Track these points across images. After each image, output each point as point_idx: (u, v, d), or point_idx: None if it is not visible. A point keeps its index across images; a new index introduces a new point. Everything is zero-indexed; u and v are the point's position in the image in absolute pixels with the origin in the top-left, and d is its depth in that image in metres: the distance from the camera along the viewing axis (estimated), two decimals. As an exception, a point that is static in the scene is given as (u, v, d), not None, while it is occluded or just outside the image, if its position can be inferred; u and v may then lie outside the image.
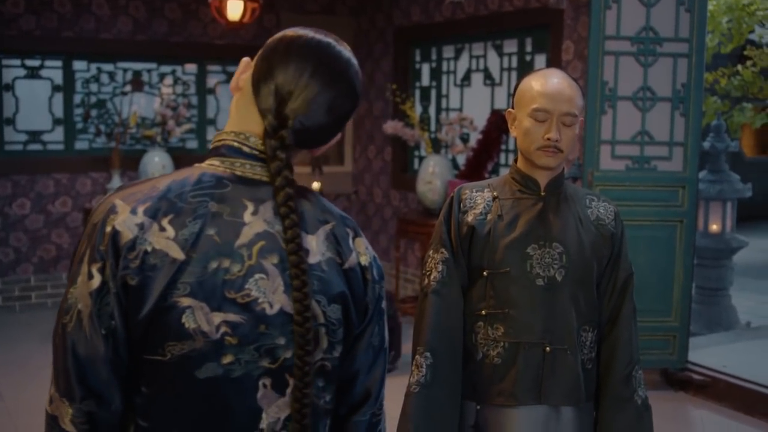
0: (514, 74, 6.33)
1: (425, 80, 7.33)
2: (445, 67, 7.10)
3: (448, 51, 7.04)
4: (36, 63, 6.91)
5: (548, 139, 2.13)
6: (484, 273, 2.21)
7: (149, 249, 1.23)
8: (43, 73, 6.97)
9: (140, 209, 1.25)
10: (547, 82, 2.18)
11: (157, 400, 1.26)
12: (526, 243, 2.19)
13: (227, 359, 1.25)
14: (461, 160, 6.68)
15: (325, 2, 7.82)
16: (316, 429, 1.35)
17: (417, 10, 7.12)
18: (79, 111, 7.09)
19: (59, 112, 7.03)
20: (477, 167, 6.13)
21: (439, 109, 7.17)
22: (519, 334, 2.18)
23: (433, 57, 7.20)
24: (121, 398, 1.26)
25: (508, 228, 2.21)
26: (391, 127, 6.73)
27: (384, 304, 1.44)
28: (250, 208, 1.30)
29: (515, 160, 2.31)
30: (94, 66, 7.10)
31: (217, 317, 1.24)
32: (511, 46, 6.39)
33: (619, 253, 2.29)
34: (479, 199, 2.27)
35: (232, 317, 1.24)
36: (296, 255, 1.27)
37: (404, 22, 7.30)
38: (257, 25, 7.15)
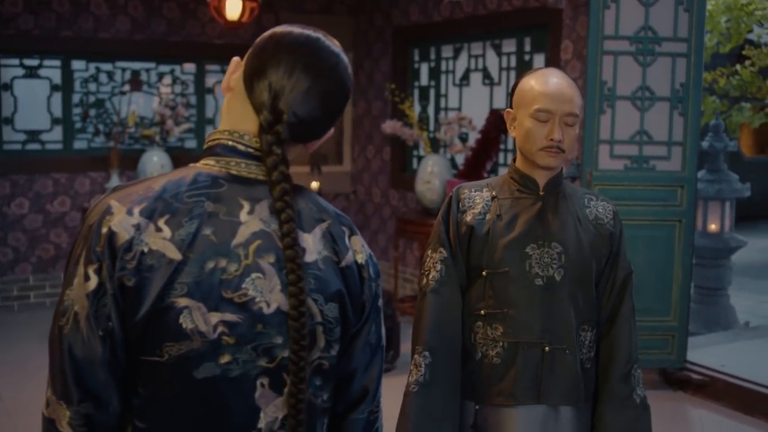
0: (512, 74, 6.33)
1: (424, 80, 7.33)
2: (443, 67, 7.10)
3: (447, 50, 7.04)
4: (34, 62, 6.91)
5: (551, 140, 2.13)
6: (483, 273, 2.21)
7: (146, 250, 1.23)
8: (42, 72, 6.96)
9: (136, 210, 1.25)
10: (548, 82, 2.17)
11: (155, 401, 1.26)
12: (525, 243, 2.19)
13: (225, 359, 1.25)
14: (460, 159, 6.68)
15: (323, 2, 7.82)
16: (313, 428, 1.35)
17: (416, 9, 7.12)
18: (77, 110, 7.09)
19: (58, 111, 7.02)
20: (476, 167, 6.13)
21: (437, 109, 7.16)
22: (518, 334, 2.18)
23: (432, 56, 7.20)
24: (119, 400, 1.26)
25: (507, 228, 2.21)
26: (389, 126, 6.73)
27: (381, 302, 1.44)
28: (246, 207, 1.30)
29: (513, 160, 2.31)
30: (92, 65, 7.09)
31: (215, 317, 1.24)
32: (509, 45, 6.39)
33: (618, 252, 2.29)
34: (478, 198, 2.27)
35: (229, 317, 1.24)
36: (292, 249, 1.27)
37: (403, 21, 7.30)
38: (256, 25, 7.15)
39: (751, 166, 13.40)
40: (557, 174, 2.25)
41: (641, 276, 4.43)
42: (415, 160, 7.38)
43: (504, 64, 6.44)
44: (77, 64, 7.04)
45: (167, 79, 7.43)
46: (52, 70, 6.98)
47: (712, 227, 6.56)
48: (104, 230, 1.24)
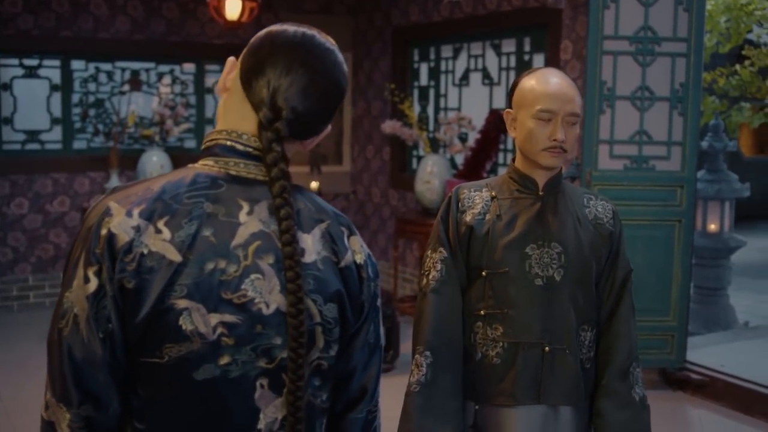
0: (512, 74, 6.33)
1: (423, 80, 7.33)
2: (443, 67, 7.10)
3: (447, 50, 7.04)
4: (34, 62, 6.90)
5: (555, 140, 2.13)
6: (483, 273, 2.21)
7: (145, 251, 1.22)
8: (41, 72, 6.96)
9: (135, 211, 1.25)
10: (550, 82, 2.17)
11: (155, 402, 1.25)
12: (525, 243, 2.19)
13: (224, 360, 1.24)
14: (459, 159, 6.68)
15: (323, 1, 7.82)
16: (312, 428, 1.35)
17: (415, 9, 7.12)
18: (77, 110, 7.08)
19: (57, 111, 7.02)
20: (475, 167, 6.13)
21: (437, 109, 7.16)
22: (518, 334, 2.18)
23: (432, 56, 7.20)
24: (119, 401, 1.25)
25: (506, 228, 2.21)
26: (389, 126, 6.73)
27: (379, 302, 1.44)
28: (246, 208, 1.30)
29: (513, 160, 2.31)
30: (92, 65, 7.09)
31: (214, 318, 1.23)
32: (509, 45, 6.39)
33: (618, 251, 2.29)
34: (477, 198, 2.27)
35: (229, 318, 1.24)
36: (290, 246, 1.27)
37: (402, 21, 7.30)
38: (255, 25, 7.12)
39: (751, 166, 13.41)
40: (557, 174, 2.25)
41: (641, 276, 4.43)
42: (414, 160, 7.38)
43: (503, 64, 6.44)
44: (77, 64, 7.04)
45: (167, 79, 7.43)
46: (51, 70, 6.97)
47: (712, 227, 6.57)
48: (103, 232, 1.24)
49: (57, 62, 6.97)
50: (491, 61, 6.58)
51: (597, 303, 2.28)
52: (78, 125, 7.10)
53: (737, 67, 8.98)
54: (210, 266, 1.24)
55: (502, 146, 6.26)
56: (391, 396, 5.06)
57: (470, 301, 2.24)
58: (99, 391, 1.23)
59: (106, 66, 7.14)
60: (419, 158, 7.21)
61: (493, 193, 2.27)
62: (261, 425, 1.29)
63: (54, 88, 6.98)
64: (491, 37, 6.52)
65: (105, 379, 1.23)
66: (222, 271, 1.24)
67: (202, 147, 1.37)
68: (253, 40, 1.38)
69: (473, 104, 6.69)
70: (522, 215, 2.22)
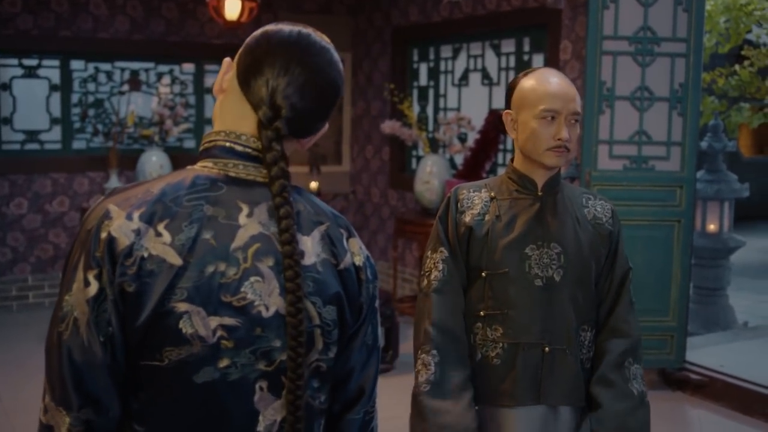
0: (511, 74, 6.33)
1: (423, 80, 7.33)
2: (442, 67, 7.10)
3: (446, 51, 7.04)
4: (33, 62, 6.90)
5: (560, 139, 2.13)
6: (483, 274, 2.21)
7: (146, 255, 1.22)
8: (41, 72, 6.96)
9: (136, 214, 1.24)
10: (551, 82, 2.17)
11: (154, 405, 1.25)
12: (525, 243, 2.19)
13: (224, 363, 1.24)
14: (459, 159, 6.68)
15: (322, 1, 7.82)
16: (311, 429, 1.35)
17: (415, 9, 7.12)
18: (76, 110, 7.08)
19: (57, 111, 7.02)
20: (475, 167, 6.13)
21: (436, 109, 7.17)
22: (518, 335, 2.18)
23: (431, 57, 7.20)
24: (119, 405, 1.25)
25: (506, 228, 2.21)
26: (388, 126, 6.73)
27: (377, 304, 1.44)
28: (245, 210, 1.29)
29: (511, 160, 2.31)
30: (91, 65, 7.09)
31: (214, 321, 1.23)
32: (508, 45, 6.39)
33: (616, 250, 2.29)
34: (477, 199, 2.27)
35: (228, 321, 1.24)
36: (290, 245, 1.26)
37: (402, 21, 7.30)
38: (255, 25, 7.12)
39: (750, 167, 13.41)
40: (555, 174, 2.25)
41: (640, 276, 4.43)
42: (414, 160, 7.38)
43: (503, 65, 6.44)
44: (76, 64, 7.04)
45: (166, 79, 7.43)
46: (50, 70, 6.97)
47: (711, 227, 6.57)
48: (103, 235, 1.23)
49: (56, 62, 6.97)
50: (491, 61, 6.58)
51: (596, 302, 2.28)
52: (77, 125, 7.10)
53: (736, 67, 8.98)
54: (210, 269, 1.24)
55: (501, 146, 6.26)
56: (390, 396, 5.04)
57: (470, 302, 2.24)
58: (99, 394, 1.22)
59: (106, 66, 7.14)
60: (419, 158, 7.21)
61: (492, 194, 2.27)
62: (260, 427, 1.29)
63: (53, 88, 6.98)
64: (491, 38, 6.52)
65: (105, 382, 1.22)
66: (222, 273, 1.24)
67: (201, 148, 1.37)
68: (248, 39, 1.38)
69: (473, 104, 6.69)
70: (521, 216, 2.22)
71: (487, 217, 2.23)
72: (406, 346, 5.69)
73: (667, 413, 4.77)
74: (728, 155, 7.50)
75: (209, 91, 7.54)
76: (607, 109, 4.95)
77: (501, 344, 2.20)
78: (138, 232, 1.23)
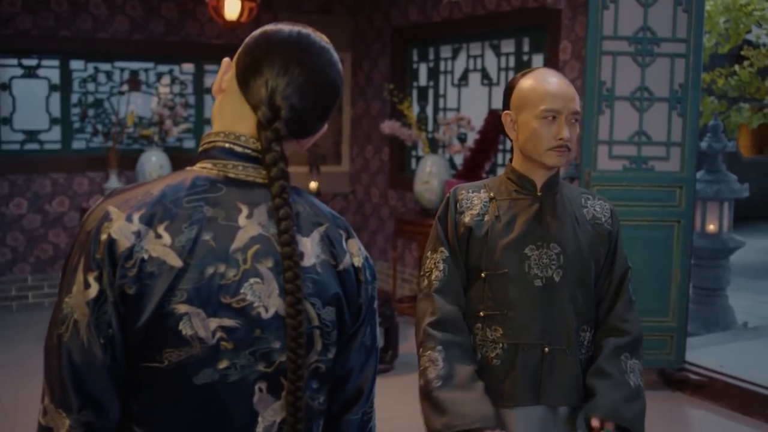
0: (511, 74, 6.33)
1: (423, 80, 7.33)
2: (442, 67, 7.10)
3: (446, 51, 7.04)
4: (33, 62, 6.90)
5: (561, 138, 2.13)
6: (482, 274, 2.21)
7: (146, 257, 1.21)
8: (40, 72, 6.96)
9: (135, 216, 1.24)
10: (551, 82, 2.18)
11: (154, 406, 1.25)
12: (524, 244, 2.19)
13: (223, 364, 1.24)
14: (458, 160, 6.68)
15: (322, 2, 7.82)
16: (310, 429, 1.35)
17: (414, 9, 7.12)
18: (76, 110, 7.08)
19: (56, 111, 7.02)
20: (474, 167, 6.13)
21: (436, 109, 7.17)
22: (517, 335, 2.18)
23: (431, 57, 7.20)
24: (119, 406, 1.25)
25: (505, 229, 2.21)
26: (388, 127, 6.73)
27: (376, 304, 1.44)
28: (245, 211, 1.29)
29: (510, 160, 2.31)
30: (91, 65, 7.09)
31: (213, 323, 1.23)
32: (508, 46, 6.39)
33: (616, 250, 2.29)
34: (476, 199, 2.27)
35: (228, 322, 1.24)
36: (289, 247, 1.26)
37: (402, 21, 7.30)
38: (254, 25, 7.12)
39: (750, 167, 13.41)
40: (554, 174, 2.26)
41: (640, 276, 4.43)
42: (413, 161, 7.38)
43: (503, 65, 6.44)
44: (76, 64, 7.04)
45: (166, 79, 7.43)
46: (50, 70, 6.97)
47: (711, 228, 6.57)
48: (103, 237, 1.22)
49: (56, 62, 6.97)
50: (490, 61, 6.58)
51: (596, 302, 2.28)
52: (77, 125, 7.10)
53: (736, 67, 8.98)
54: (210, 271, 1.23)
55: (501, 147, 6.26)
56: (390, 396, 5.04)
57: (469, 303, 2.24)
58: (99, 396, 1.22)
59: (105, 66, 7.14)
60: (418, 158, 7.21)
61: (492, 194, 2.27)
62: (259, 429, 1.29)
63: (53, 88, 6.98)
64: (490, 38, 6.52)
65: (105, 383, 1.22)
66: (221, 275, 1.24)
67: (200, 149, 1.36)
68: (248, 39, 1.38)
69: (472, 104, 6.69)
70: (521, 216, 2.22)
71: (486, 218, 2.24)
72: (405, 347, 5.69)
73: (667, 413, 4.77)
74: (728, 155, 7.50)
75: (209, 91, 7.53)
76: (607, 109, 4.95)
77: (501, 345, 2.20)
78: (138, 234, 1.22)
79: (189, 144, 7.47)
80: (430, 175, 6.35)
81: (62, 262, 6.89)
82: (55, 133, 7.04)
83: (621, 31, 4.90)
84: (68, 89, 7.02)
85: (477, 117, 6.37)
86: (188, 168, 1.34)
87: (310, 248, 1.32)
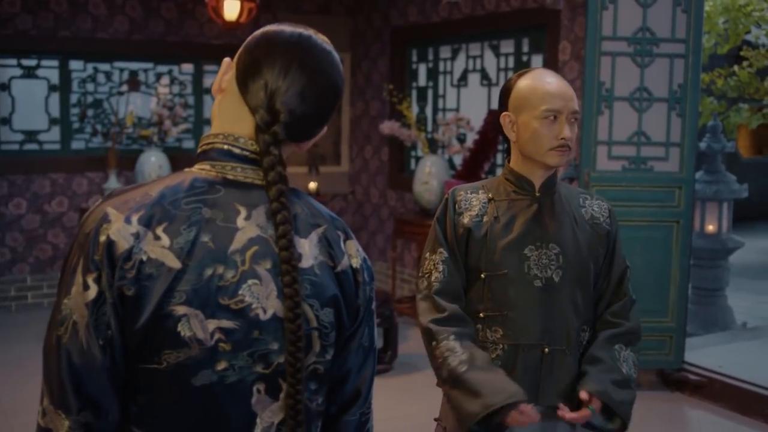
0: (511, 74, 6.31)
1: (422, 80, 7.33)
2: (441, 68, 7.10)
3: (445, 51, 7.04)
4: (32, 63, 6.90)
5: (563, 138, 2.14)
6: (482, 275, 2.21)
7: (145, 258, 1.21)
8: (40, 72, 6.96)
9: (134, 218, 1.23)
10: (550, 82, 2.18)
11: (153, 408, 1.25)
12: (523, 244, 2.19)
13: (221, 365, 1.24)
14: (458, 160, 6.68)
15: (321, 2, 7.82)
16: (308, 431, 1.35)
17: (414, 10, 7.13)
18: (75, 111, 7.08)
19: (55, 111, 7.02)
20: (474, 167, 6.13)
21: (435, 110, 7.17)
22: (517, 336, 2.18)
23: (430, 57, 7.20)
24: (118, 408, 1.25)
25: (504, 229, 2.21)
26: (387, 127, 6.73)
27: (374, 306, 1.44)
28: (243, 212, 1.29)
29: (508, 161, 2.31)
30: (90, 66, 7.09)
31: (212, 324, 1.23)
32: (508, 46, 6.40)
33: (614, 250, 2.30)
34: (474, 200, 2.27)
35: (226, 323, 1.24)
36: (287, 251, 1.26)
37: (401, 22, 7.30)
38: (254, 25, 7.13)
39: (749, 167, 13.42)
40: (552, 174, 2.26)
41: (639, 277, 4.43)
42: (413, 161, 7.38)
43: (502, 65, 6.44)
44: (75, 65, 7.04)
45: (165, 80, 7.43)
46: (49, 71, 6.97)
47: (710, 228, 6.57)
48: (102, 239, 1.22)
49: (55, 62, 6.97)
50: (490, 61, 6.58)
51: (595, 302, 2.29)
52: (76, 125, 7.10)
53: (735, 68, 8.99)
54: (208, 272, 1.23)
55: (500, 147, 6.26)
56: (389, 397, 5.02)
57: (469, 304, 2.24)
58: (98, 397, 1.22)
59: (105, 66, 7.14)
60: (417, 159, 7.21)
61: (490, 195, 2.27)
62: (258, 430, 1.29)
63: (52, 88, 6.98)
64: (490, 38, 6.52)
65: (104, 385, 1.22)
66: (220, 276, 1.24)
67: (198, 150, 1.36)
68: (249, 39, 1.37)
69: (471, 105, 6.70)
70: (520, 217, 2.22)
71: (485, 219, 2.24)
72: (404, 347, 5.69)
73: (666, 414, 4.77)
74: (727, 156, 7.51)
75: (208, 91, 7.53)
76: (606, 109, 4.95)
77: (501, 346, 2.20)
78: (137, 236, 1.22)
79: (188, 144, 7.47)
80: (429, 175, 6.35)
81: (61, 263, 6.88)
82: (55, 133, 7.04)
83: (620, 31, 4.90)
84: (67, 89, 7.02)
85: (476, 117, 6.38)
86: (187, 169, 1.34)
87: (308, 249, 1.32)
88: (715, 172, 6.62)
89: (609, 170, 4.96)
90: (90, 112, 7.12)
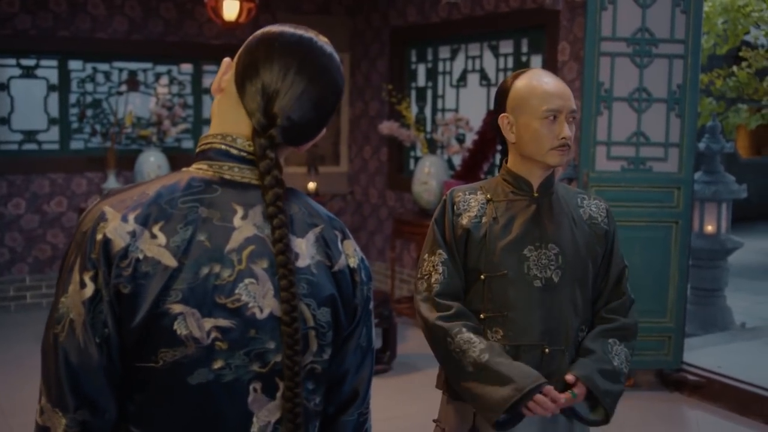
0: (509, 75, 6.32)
1: (421, 81, 7.33)
2: (441, 68, 7.10)
3: (444, 51, 7.05)
4: (31, 62, 6.90)
5: (564, 137, 2.14)
6: (482, 276, 2.21)
7: (141, 257, 1.22)
8: (39, 72, 6.96)
9: (131, 216, 1.24)
10: (548, 82, 2.19)
11: (150, 406, 1.25)
12: (523, 245, 2.19)
13: (218, 364, 1.24)
14: (457, 160, 6.68)
15: (320, 2, 7.82)
16: (306, 431, 1.35)
17: (413, 10, 7.13)
18: (74, 111, 7.08)
19: (54, 111, 7.01)
20: (473, 168, 6.13)
21: (434, 110, 7.17)
22: (518, 337, 2.18)
23: (429, 57, 7.20)
24: (115, 406, 1.25)
25: (503, 230, 2.21)
26: (386, 127, 6.73)
27: (372, 306, 1.44)
28: (240, 212, 1.29)
29: (505, 161, 2.31)
30: (89, 66, 7.09)
31: (208, 323, 1.23)
32: (507, 46, 6.40)
33: (612, 249, 2.30)
34: (473, 201, 2.27)
35: (223, 322, 1.24)
36: (284, 255, 1.26)
37: (400, 22, 7.30)
38: (253, 25, 7.13)
39: (748, 168, 13.42)
40: (550, 174, 2.26)
41: (638, 277, 4.43)
42: (412, 161, 7.38)
43: (501, 66, 6.44)
44: (74, 64, 7.04)
45: (164, 80, 7.43)
46: (49, 70, 6.97)
47: (709, 228, 6.57)
48: (99, 237, 1.23)
49: (54, 62, 6.96)
50: (489, 62, 6.58)
51: (593, 301, 2.29)
52: (75, 125, 7.10)
53: (734, 68, 8.99)
54: (205, 271, 1.24)
55: (499, 147, 6.25)
56: (388, 397, 5.03)
57: (469, 305, 2.23)
58: (95, 396, 1.23)
59: (104, 66, 7.14)
60: (416, 159, 7.21)
61: (488, 196, 2.27)
62: (254, 429, 1.29)
63: (51, 88, 6.98)
64: (489, 38, 6.53)
65: (101, 383, 1.23)
66: (216, 275, 1.24)
67: (197, 150, 1.36)
68: (249, 40, 1.37)
69: (471, 105, 6.70)
70: (518, 217, 2.23)
71: (484, 219, 2.23)
72: (403, 347, 5.69)
73: (665, 414, 4.77)
74: (726, 156, 7.52)
75: (207, 91, 7.53)
76: (605, 110, 4.95)
77: (502, 346, 2.19)
78: (133, 234, 1.23)
79: (187, 144, 7.46)
80: (428, 175, 6.36)
81: (60, 263, 6.89)
82: (54, 133, 7.04)
83: (619, 32, 4.91)
84: (66, 89, 7.01)
85: (475, 118, 6.38)
86: (184, 169, 1.34)
87: (305, 249, 1.32)
88: (714, 172, 6.62)
89: (608, 171, 4.97)
90: (89, 112, 7.12)
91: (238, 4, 5.91)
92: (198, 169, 1.32)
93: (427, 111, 7.25)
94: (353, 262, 1.39)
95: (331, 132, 7.88)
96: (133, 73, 7.27)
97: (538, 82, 2.19)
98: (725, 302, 6.62)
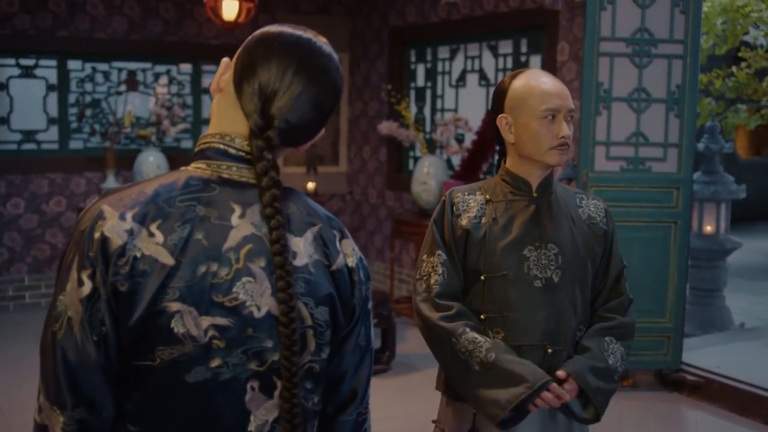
0: (509, 75, 6.32)
1: (420, 81, 7.33)
2: (440, 68, 7.10)
3: (444, 51, 7.05)
4: (30, 62, 6.90)
5: (563, 137, 2.14)
6: (482, 277, 2.20)
7: (138, 255, 1.22)
8: (38, 72, 6.95)
9: (129, 215, 1.24)
10: (546, 82, 2.19)
11: (147, 404, 1.25)
12: (522, 245, 2.19)
13: (215, 363, 1.24)
14: (456, 160, 6.68)
15: (320, 2, 7.82)
16: (304, 430, 1.35)
17: (412, 10, 7.13)
18: (73, 110, 7.08)
19: (54, 111, 7.01)
20: (472, 168, 6.13)
21: (434, 110, 7.17)
22: (519, 337, 2.18)
23: (429, 57, 7.20)
24: (113, 405, 1.25)
25: (503, 231, 2.21)
26: (386, 127, 6.73)
27: (370, 305, 1.44)
28: (238, 211, 1.29)
29: (504, 162, 2.31)
30: (88, 65, 7.08)
31: (206, 321, 1.23)
32: (506, 47, 6.40)
33: (611, 249, 2.30)
34: (472, 202, 2.27)
35: (220, 321, 1.24)
36: (281, 256, 1.26)
37: (399, 22, 7.30)
38: (252, 25, 7.13)
39: (747, 168, 13.42)
40: (549, 175, 2.26)
41: (637, 277, 4.43)
42: (411, 161, 7.38)
43: (500, 66, 6.44)
44: (73, 64, 7.03)
45: (163, 80, 7.43)
46: (48, 70, 6.97)
47: (708, 229, 6.57)
48: (97, 235, 1.23)
49: (54, 62, 6.96)
50: (488, 62, 6.58)
51: (592, 301, 2.29)
52: (74, 125, 7.09)
53: (733, 68, 9.00)
54: (202, 269, 1.24)
55: (498, 147, 6.25)
56: (387, 397, 5.03)
57: (469, 306, 2.23)
58: (93, 394, 1.23)
59: (103, 66, 7.14)
60: (416, 159, 7.21)
61: (487, 196, 2.27)
62: (252, 427, 1.29)
63: (50, 88, 6.98)
64: (488, 39, 6.53)
65: (99, 382, 1.23)
66: (214, 274, 1.24)
67: (196, 150, 1.37)
68: (248, 40, 1.37)
69: (470, 105, 6.70)
70: (518, 217, 2.22)
71: (483, 220, 2.23)
72: (403, 347, 5.69)
73: (664, 414, 4.77)
74: (725, 157, 7.53)
75: (206, 91, 7.53)
76: (604, 110, 4.95)
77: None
78: (131, 233, 1.23)
79: (186, 144, 7.46)
80: (427, 175, 6.36)
81: (59, 262, 6.89)
82: (53, 133, 7.04)
83: (618, 32, 4.91)
84: (66, 89, 7.01)
85: (474, 118, 6.38)
86: (183, 168, 1.34)
87: (302, 248, 1.32)
88: (713, 172, 6.63)
89: (607, 171, 4.97)
90: (88, 112, 7.12)
91: (237, 4, 5.91)
92: (196, 168, 1.33)
93: (427, 111, 7.25)
94: (351, 262, 1.39)
95: (331, 132, 7.88)
96: (132, 73, 7.27)
97: (536, 82, 2.19)
98: (724, 302, 6.63)
